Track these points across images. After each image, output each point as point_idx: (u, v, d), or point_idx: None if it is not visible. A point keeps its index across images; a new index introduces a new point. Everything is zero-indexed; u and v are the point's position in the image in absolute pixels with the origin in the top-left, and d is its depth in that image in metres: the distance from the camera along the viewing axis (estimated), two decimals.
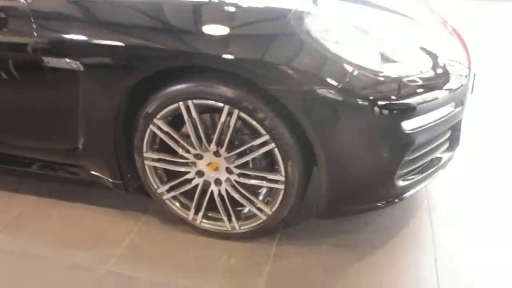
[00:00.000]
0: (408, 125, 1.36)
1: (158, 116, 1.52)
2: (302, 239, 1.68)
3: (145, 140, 1.58)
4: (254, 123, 1.41)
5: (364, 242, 1.66)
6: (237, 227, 1.64)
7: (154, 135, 1.57)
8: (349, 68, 1.31)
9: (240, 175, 1.54)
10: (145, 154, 1.61)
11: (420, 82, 1.37)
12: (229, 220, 1.64)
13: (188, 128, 1.50)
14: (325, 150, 1.36)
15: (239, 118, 1.42)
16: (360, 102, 1.29)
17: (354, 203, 1.52)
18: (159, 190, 1.68)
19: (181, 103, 1.46)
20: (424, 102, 1.36)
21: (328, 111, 1.32)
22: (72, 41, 1.46)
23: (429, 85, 1.39)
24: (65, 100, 1.57)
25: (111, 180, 1.72)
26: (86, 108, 1.56)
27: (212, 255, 1.64)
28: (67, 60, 1.47)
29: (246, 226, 1.64)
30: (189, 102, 1.45)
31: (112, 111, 1.53)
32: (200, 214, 1.67)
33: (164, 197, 1.69)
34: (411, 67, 1.40)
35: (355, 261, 1.58)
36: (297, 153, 1.42)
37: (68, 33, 1.46)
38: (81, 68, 1.47)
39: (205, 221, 1.68)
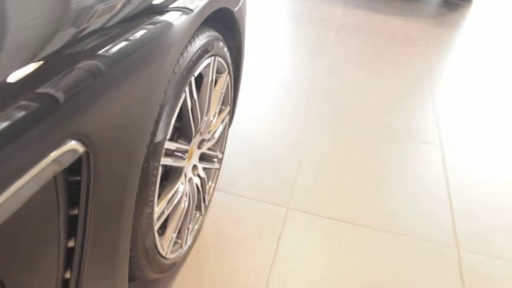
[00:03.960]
0: None
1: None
2: None
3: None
4: (229, 59, 1.15)
5: None
6: (207, 201, 1.35)
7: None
8: None
9: (211, 136, 1.23)
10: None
11: None
12: (204, 201, 1.31)
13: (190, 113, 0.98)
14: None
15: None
16: None
17: None
18: (168, 254, 1.04)
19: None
20: None
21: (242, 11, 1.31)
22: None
23: None
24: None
25: None
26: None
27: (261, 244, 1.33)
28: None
29: (211, 190, 1.38)
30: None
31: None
32: (192, 226, 1.21)
33: (170, 256, 1.07)
34: None
35: None
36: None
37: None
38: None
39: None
